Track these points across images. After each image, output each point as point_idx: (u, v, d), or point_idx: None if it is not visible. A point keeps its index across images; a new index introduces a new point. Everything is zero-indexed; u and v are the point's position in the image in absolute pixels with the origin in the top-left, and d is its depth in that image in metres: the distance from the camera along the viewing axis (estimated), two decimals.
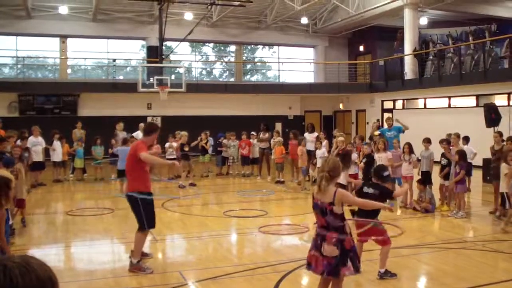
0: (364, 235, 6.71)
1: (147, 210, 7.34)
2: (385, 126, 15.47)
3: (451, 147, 12.18)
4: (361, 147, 13.90)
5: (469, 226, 10.62)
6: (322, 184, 5.18)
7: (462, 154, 11.22)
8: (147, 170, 7.59)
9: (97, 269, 7.59)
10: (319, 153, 15.48)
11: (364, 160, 12.76)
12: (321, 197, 5.19)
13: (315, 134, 17.44)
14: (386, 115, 26.35)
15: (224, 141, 18.89)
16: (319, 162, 15.55)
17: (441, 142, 12.27)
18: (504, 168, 10.07)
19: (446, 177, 11.93)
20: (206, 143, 18.32)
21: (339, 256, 5.12)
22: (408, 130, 14.43)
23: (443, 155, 12.16)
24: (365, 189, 6.97)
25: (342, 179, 10.31)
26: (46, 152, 16.71)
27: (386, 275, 6.83)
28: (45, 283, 1.53)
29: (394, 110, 25.66)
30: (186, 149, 16.78)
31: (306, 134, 17.83)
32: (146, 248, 8.19)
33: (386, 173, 7.20)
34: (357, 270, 5.29)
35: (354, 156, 13.34)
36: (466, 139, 14.29)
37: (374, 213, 6.68)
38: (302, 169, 15.80)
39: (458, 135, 12.31)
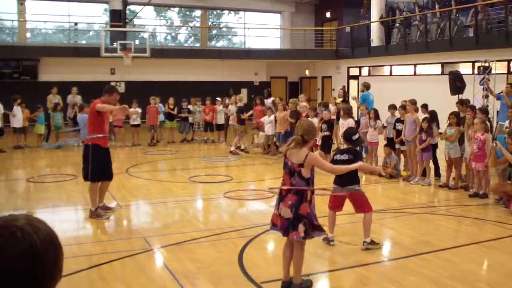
0: (340, 199, 6.70)
1: (95, 162, 7.93)
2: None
3: (406, 114, 12.22)
4: (321, 113, 13.80)
5: (432, 192, 10.76)
6: (294, 146, 5.16)
7: (429, 121, 11.27)
8: (106, 127, 8.25)
9: (60, 236, 7.37)
10: (266, 119, 15.55)
11: (322, 127, 12.80)
12: (292, 158, 5.18)
13: (271, 99, 17.45)
14: (352, 81, 26.48)
15: (189, 106, 18.67)
16: (266, 128, 15.59)
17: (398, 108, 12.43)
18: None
19: (402, 142, 12.05)
20: (173, 109, 18.12)
21: (291, 219, 5.08)
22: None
23: (397, 120, 12.25)
24: (338, 157, 6.83)
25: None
26: (6, 118, 16.24)
27: (372, 245, 6.66)
28: (53, 238, 1.56)
29: (360, 77, 25.72)
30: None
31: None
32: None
33: (355, 137, 6.96)
34: (308, 236, 5.15)
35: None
36: (425, 107, 13.78)
37: (355, 180, 6.62)
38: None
39: (413, 102, 12.15)
